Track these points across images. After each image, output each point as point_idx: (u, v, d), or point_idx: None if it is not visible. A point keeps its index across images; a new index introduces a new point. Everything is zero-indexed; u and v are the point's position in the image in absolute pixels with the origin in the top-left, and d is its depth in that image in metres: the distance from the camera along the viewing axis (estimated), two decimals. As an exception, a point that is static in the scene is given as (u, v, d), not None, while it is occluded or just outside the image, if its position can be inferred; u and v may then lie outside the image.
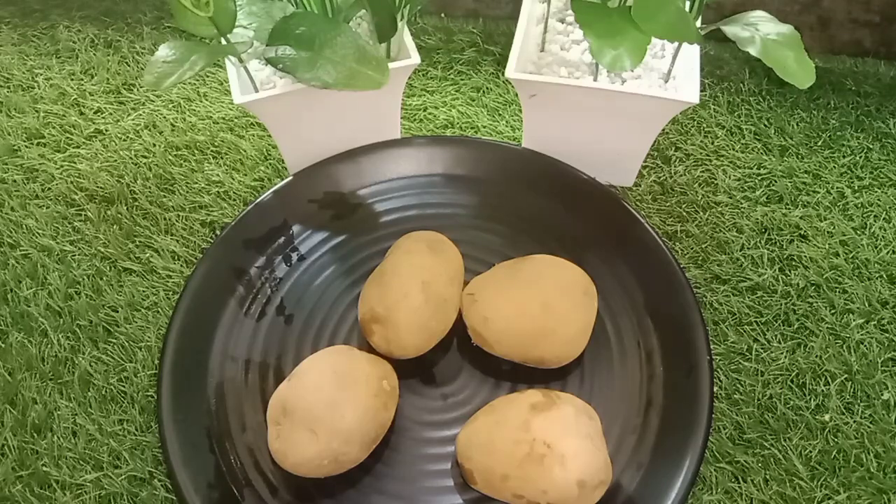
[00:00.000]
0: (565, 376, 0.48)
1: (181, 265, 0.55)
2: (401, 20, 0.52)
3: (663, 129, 0.55)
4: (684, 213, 0.57)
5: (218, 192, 0.59)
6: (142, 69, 0.67)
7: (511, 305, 0.46)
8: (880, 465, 0.46)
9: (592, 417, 0.43)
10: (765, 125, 0.62)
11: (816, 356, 0.50)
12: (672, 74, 0.53)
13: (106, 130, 0.64)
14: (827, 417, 0.48)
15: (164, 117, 0.64)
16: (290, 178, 0.55)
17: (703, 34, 0.47)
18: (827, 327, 0.51)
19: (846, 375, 0.49)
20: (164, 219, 0.58)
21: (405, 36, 0.53)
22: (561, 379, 0.48)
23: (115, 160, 0.62)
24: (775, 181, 0.59)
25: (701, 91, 0.50)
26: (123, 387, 0.50)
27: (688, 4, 0.49)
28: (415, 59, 0.52)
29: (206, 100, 0.65)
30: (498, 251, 0.52)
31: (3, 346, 0.52)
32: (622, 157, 0.57)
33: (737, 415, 0.48)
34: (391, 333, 0.46)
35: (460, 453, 0.43)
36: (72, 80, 0.67)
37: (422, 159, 0.57)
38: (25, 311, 0.53)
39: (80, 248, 0.57)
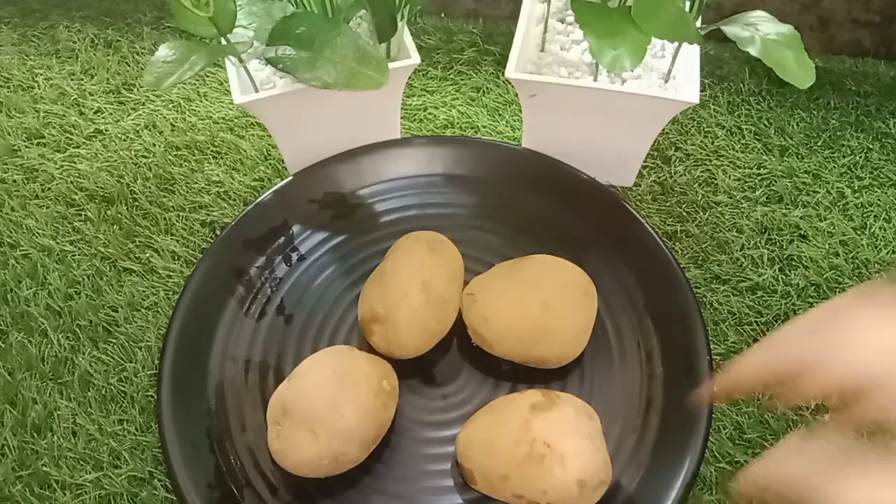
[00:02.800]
0: (565, 376, 0.48)
1: (181, 265, 0.55)
2: (401, 20, 0.52)
3: (663, 129, 0.55)
4: (684, 213, 0.57)
5: (218, 192, 0.59)
6: (142, 69, 0.67)
7: (511, 305, 0.46)
8: (880, 465, 0.46)
9: (592, 417, 0.43)
10: (765, 125, 0.62)
11: (816, 356, 0.50)
12: (672, 74, 0.53)
13: (106, 130, 0.64)
14: (827, 417, 0.48)
15: (164, 117, 0.64)
16: (290, 178, 0.55)
17: (703, 34, 0.47)
18: (827, 327, 0.51)
19: (846, 375, 0.49)
20: (164, 219, 0.58)
21: (405, 36, 0.53)
22: (561, 379, 0.48)
23: (115, 160, 0.62)
24: (775, 181, 0.59)
25: (701, 91, 0.50)
26: (123, 387, 0.50)
27: (688, 4, 0.49)
28: (415, 59, 0.52)
29: (206, 100, 0.65)
30: (498, 251, 0.52)
31: (3, 346, 0.52)
32: (622, 157, 0.57)
33: (737, 415, 0.48)
34: (391, 333, 0.46)
35: (460, 453, 0.43)
36: (72, 80, 0.67)
37: (422, 159, 0.57)
38: (25, 311, 0.53)
39: (80, 248, 0.57)
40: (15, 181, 0.61)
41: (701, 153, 0.61)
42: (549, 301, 0.46)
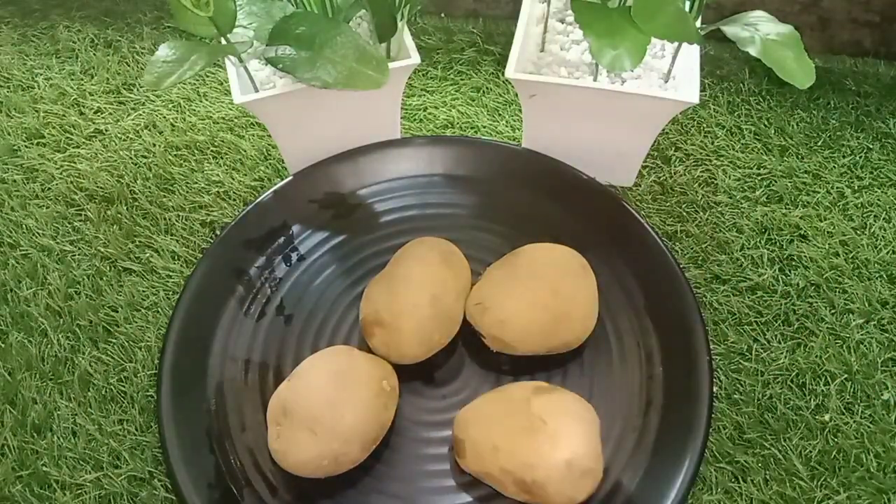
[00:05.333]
0: (565, 376, 0.48)
1: (181, 265, 0.55)
2: (401, 20, 0.52)
3: (663, 129, 0.55)
4: (684, 213, 0.57)
5: (218, 192, 0.59)
6: (142, 69, 0.67)
7: (523, 301, 0.46)
8: (880, 465, 0.46)
9: (590, 412, 0.43)
10: (765, 125, 0.62)
11: (816, 356, 0.50)
12: (672, 74, 0.53)
13: (106, 130, 0.64)
14: (827, 417, 0.48)
15: (164, 117, 0.64)
16: (290, 178, 0.55)
17: (703, 34, 0.47)
18: (827, 327, 0.51)
19: (846, 375, 0.49)
20: (164, 219, 0.58)
21: (405, 36, 0.53)
22: (561, 379, 0.48)
23: (115, 160, 0.62)
24: (775, 181, 0.59)
25: (701, 91, 0.50)
26: (123, 387, 0.50)
27: (687, 4, 0.49)
28: (415, 58, 0.52)
29: (206, 100, 0.65)
30: (497, 251, 0.52)
31: (3, 346, 0.52)
32: (622, 157, 0.56)
33: (737, 415, 0.48)
34: (392, 340, 0.46)
35: (457, 425, 0.44)
36: (72, 79, 0.67)
37: (421, 159, 0.57)
38: (25, 311, 0.53)
39: (79, 248, 0.57)
40: (15, 181, 0.61)
41: (701, 153, 0.61)
42: (555, 285, 0.46)
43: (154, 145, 0.62)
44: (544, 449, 0.40)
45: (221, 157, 0.61)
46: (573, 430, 0.41)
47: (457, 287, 0.47)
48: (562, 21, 0.58)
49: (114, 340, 0.52)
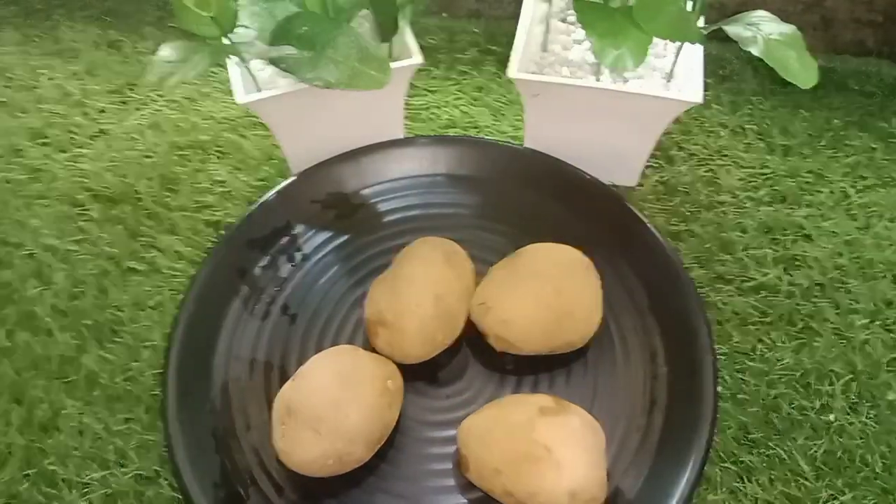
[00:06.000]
0: (569, 375, 0.48)
1: (186, 265, 0.55)
2: (403, 20, 0.52)
3: (666, 129, 0.55)
4: (688, 213, 0.57)
5: (222, 191, 0.59)
6: (144, 69, 0.68)
7: (526, 301, 0.46)
8: (885, 466, 0.46)
9: (597, 433, 0.42)
10: (768, 125, 0.62)
11: (821, 356, 0.50)
12: (674, 74, 0.53)
13: (109, 130, 0.64)
14: (832, 417, 0.48)
15: (168, 117, 0.64)
16: (293, 178, 0.55)
17: (706, 34, 0.47)
18: (831, 327, 0.51)
19: (851, 375, 0.49)
20: (169, 219, 0.58)
21: (407, 36, 0.53)
22: (565, 378, 0.48)
23: (119, 160, 0.62)
24: (779, 181, 0.59)
25: (704, 91, 0.50)
26: (129, 386, 0.50)
27: (689, 4, 0.49)
28: (417, 58, 0.52)
29: (209, 100, 0.65)
30: (500, 251, 0.52)
31: (9, 345, 0.52)
32: (625, 157, 0.57)
33: (741, 415, 0.48)
34: (396, 340, 0.46)
35: (460, 440, 0.44)
36: (75, 79, 0.67)
37: (424, 159, 0.57)
38: (31, 311, 0.53)
39: (84, 248, 0.57)
40: (19, 181, 0.61)
41: (704, 153, 0.61)
42: (559, 284, 0.46)
43: (158, 145, 0.62)
44: (547, 478, 0.40)
45: (225, 157, 0.62)
46: (578, 458, 0.40)
47: (460, 287, 0.48)
48: (564, 21, 0.58)
49: (119, 340, 0.52)
